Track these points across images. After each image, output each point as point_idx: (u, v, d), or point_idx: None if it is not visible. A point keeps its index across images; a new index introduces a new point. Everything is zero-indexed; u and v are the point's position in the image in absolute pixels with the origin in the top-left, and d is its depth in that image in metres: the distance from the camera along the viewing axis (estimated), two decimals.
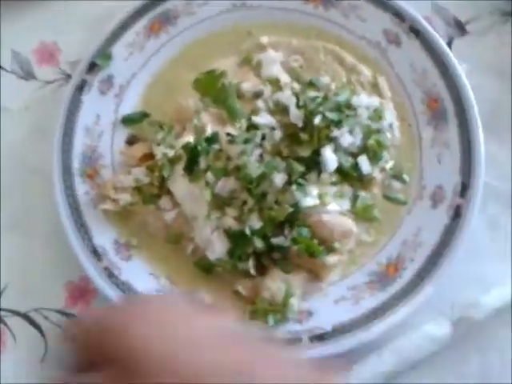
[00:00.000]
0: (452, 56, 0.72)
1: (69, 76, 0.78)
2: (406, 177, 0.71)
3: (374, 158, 0.69)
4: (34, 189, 0.73)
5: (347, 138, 0.68)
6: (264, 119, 0.69)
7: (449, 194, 0.68)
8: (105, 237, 0.67)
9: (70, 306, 0.68)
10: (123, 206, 0.68)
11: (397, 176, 0.71)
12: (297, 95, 0.70)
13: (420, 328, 0.64)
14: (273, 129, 0.68)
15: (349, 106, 0.70)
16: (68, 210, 0.67)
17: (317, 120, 0.67)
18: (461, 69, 0.72)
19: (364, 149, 0.69)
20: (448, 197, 0.68)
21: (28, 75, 0.80)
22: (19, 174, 0.74)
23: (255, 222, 0.64)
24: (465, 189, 0.68)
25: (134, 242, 0.68)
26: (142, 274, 0.66)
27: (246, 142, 0.67)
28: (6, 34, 0.81)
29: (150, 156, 0.70)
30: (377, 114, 0.71)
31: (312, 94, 0.71)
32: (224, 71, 0.70)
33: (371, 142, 0.69)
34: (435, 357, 0.64)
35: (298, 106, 0.69)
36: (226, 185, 0.65)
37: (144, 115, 0.74)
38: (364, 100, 0.71)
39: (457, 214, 0.67)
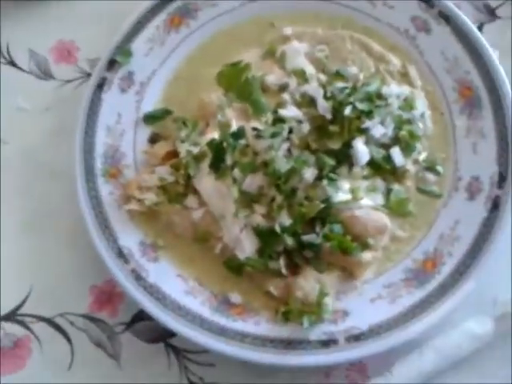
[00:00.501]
0: (484, 41, 0.70)
1: (88, 74, 0.77)
2: (440, 168, 0.68)
3: (407, 149, 0.67)
4: (56, 190, 0.71)
5: (379, 128, 0.65)
6: (291, 112, 0.66)
7: (486, 185, 0.66)
8: (130, 238, 0.65)
9: (95, 310, 0.66)
10: (148, 206, 0.66)
11: (431, 168, 0.68)
12: (324, 86, 0.68)
13: (461, 326, 0.62)
14: (300, 122, 0.66)
15: (379, 95, 0.68)
16: (92, 212, 0.65)
17: (347, 111, 0.65)
18: (494, 55, 0.70)
19: (396, 140, 0.67)
20: (485, 188, 0.66)
21: (46, 75, 0.78)
22: (41, 175, 0.72)
23: (285, 219, 0.61)
24: (503, 179, 0.65)
25: (160, 243, 0.66)
26: (169, 276, 0.64)
27: (273, 136, 0.64)
28: (22, 34, 0.80)
29: (173, 154, 0.68)
30: (408, 104, 0.69)
31: (340, 84, 0.68)
32: (248, 64, 0.68)
33: (403, 132, 0.67)
34: (477, 356, 0.61)
35: (325, 98, 0.67)
36: (254, 181, 0.63)
37: (166, 112, 0.72)
38: (394, 89, 0.69)
39: (495, 206, 0.64)
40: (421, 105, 0.70)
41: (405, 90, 0.70)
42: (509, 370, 0.62)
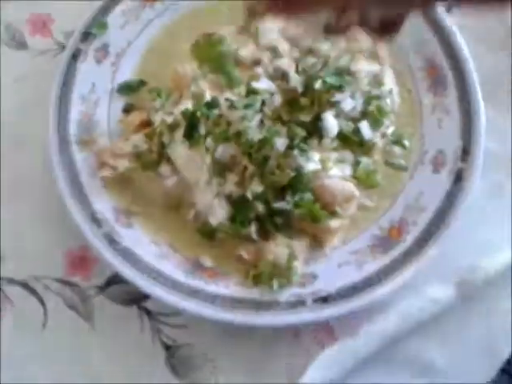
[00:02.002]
0: (451, 24, 0.72)
1: (63, 46, 0.77)
2: (406, 142, 0.70)
3: (375, 123, 0.69)
4: (30, 160, 0.71)
5: (348, 102, 0.67)
6: (263, 84, 0.68)
7: (450, 159, 0.68)
8: (104, 204, 0.66)
9: (69, 274, 0.67)
10: (122, 173, 0.67)
11: (398, 142, 0.70)
12: (296, 61, 0.70)
13: (423, 291, 0.64)
14: (272, 94, 0.67)
15: (348, 71, 0.70)
16: (66, 178, 0.66)
17: (317, 85, 0.67)
18: (460, 36, 0.72)
19: (365, 115, 0.69)
20: (449, 161, 0.68)
21: (21, 45, 0.78)
22: (13, 146, 0.72)
23: (257, 187, 0.63)
24: (466, 153, 0.68)
25: (134, 210, 0.67)
26: (143, 242, 0.65)
27: (247, 107, 0.66)
28: None
29: (147, 124, 0.69)
30: (376, 81, 0.71)
31: (311, 60, 0.70)
32: (223, 37, 0.70)
33: (372, 107, 0.69)
34: (440, 320, 0.64)
35: (297, 72, 0.69)
36: (227, 150, 0.64)
37: (141, 83, 0.73)
38: (364, 66, 0.71)
39: (458, 178, 0.67)
40: (389, 81, 0.72)
41: (374, 66, 0.72)
42: (469, 333, 0.65)
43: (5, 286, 0.66)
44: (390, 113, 0.71)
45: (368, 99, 0.69)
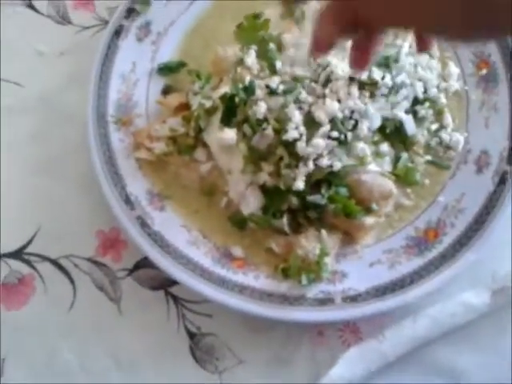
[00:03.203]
0: None
1: (106, 22, 0.77)
2: (450, 139, 0.68)
3: (420, 119, 0.67)
4: (68, 134, 0.71)
5: (396, 98, 0.65)
6: (305, 71, 0.66)
7: (495, 160, 0.66)
8: (138, 186, 0.66)
9: (100, 255, 0.67)
10: (157, 156, 0.67)
11: (441, 139, 0.68)
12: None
13: (457, 296, 0.62)
14: (314, 81, 0.65)
15: (396, 60, 0.67)
16: (102, 157, 0.66)
17: (363, 76, 0.64)
18: None
19: (410, 108, 0.66)
20: (494, 162, 0.66)
21: (64, 20, 0.78)
22: (54, 119, 0.73)
23: (299, 183, 0.61)
24: None
25: (167, 193, 0.66)
26: (174, 226, 0.65)
27: (286, 93, 0.64)
28: None
29: (185, 106, 0.69)
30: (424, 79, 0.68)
31: None
32: (267, 20, 0.68)
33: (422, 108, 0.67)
34: (472, 326, 0.62)
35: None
36: (263, 138, 0.63)
37: (181, 64, 0.72)
38: (409, 58, 0.68)
39: (502, 181, 0.64)
40: (436, 76, 0.69)
41: (421, 58, 0.69)
42: (502, 342, 0.63)
43: (37, 263, 0.67)
44: (444, 111, 0.68)
45: (422, 101, 0.67)
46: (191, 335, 0.63)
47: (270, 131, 0.63)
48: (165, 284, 0.65)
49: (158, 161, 0.67)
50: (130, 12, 0.72)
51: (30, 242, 0.68)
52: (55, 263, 0.67)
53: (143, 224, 0.63)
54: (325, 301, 0.60)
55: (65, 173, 0.70)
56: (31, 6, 0.79)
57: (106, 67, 0.70)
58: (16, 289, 0.66)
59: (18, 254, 0.68)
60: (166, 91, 0.72)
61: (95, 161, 0.66)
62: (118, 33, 0.71)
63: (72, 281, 0.66)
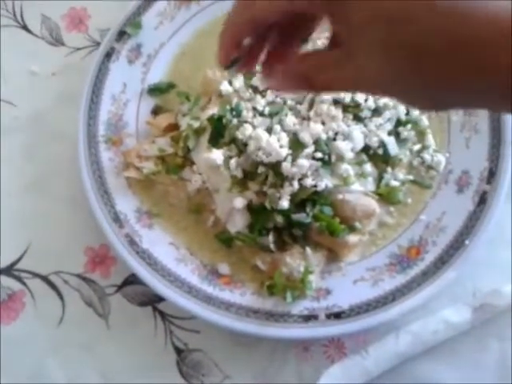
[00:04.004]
0: None
1: (98, 43, 0.78)
2: (432, 160, 0.69)
3: (402, 139, 0.68)
4: (59, 153, 0.73)
5: (376, 120, 0.67)
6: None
7: (475, 180, 0.67)
8: (127, 204, 0.68)
9: (89, 271, 0.68)
10: (146, 175, 0.68)
11: (423, 159, 0.69)
12: None
13: (439, 313, 0.64)
14: (299, 103, 0.67)
15: None
16: (92, 176, 0.67)
17: (347, 99, 0.66)
18: None
19: (393, 130, 0.68)
20: (474, 182, 0.67)
21: (57, 41, 0.80)
22: (45, 137, 0.74)
23: (283, 202, 0.63)
24: (492, 175, 0.67)
25: (155, 211, 0.68)
26: (162, 243, 0.66)
27: (272, 115, 0.66)
28: None
29: (174, 127, 0.70)
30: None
31: None
32: None
33: (404, 129, 0.69)
34: (453, 343, 0.63)
35: None
36: (249, 158, 0.65)
37: (170, 86, 0.74)
38: None
39: (482, 201, 0.66)
40: None
41: None
42: (483, 358, 0.64)
43: (27, 279, 0.68)
44: (417, 129, 0.70)
45: (404, 123, 0.69)
46: (178, 351, 0.64)
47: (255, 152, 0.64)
48: (153, 300, 0.66)
49: (147, 180, 0.68)
50: (122, 35, 0.74)
51: (20, 259, 0.69)
52: (45, 279, 0.68)
53: (131, 242, 0.65)
54: (309, 317, 0.62)
55: (55, 190, 0.72)
56: (25, 28, 0.80)
57: (97, 88, 0.72)
58: (6, 305, 0.67)
59: (8, 271, 0.69)
60: (156, 111, 0.73)
61: (85, 179, 0.67)
62: (109, 55, 0.73)
63: (61, 296, 0.67)
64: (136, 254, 0.64)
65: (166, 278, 0.63)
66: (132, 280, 0.67)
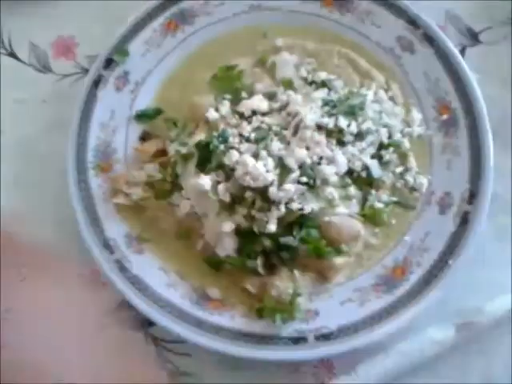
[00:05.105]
0: (465, 65, 0.73)
1: (85, 70, 0.79)
2: (414, 182, 0.71)
3: (385, 162, 0.70)
4: (48, 180, 0.73)
5: (359, 144, 0.69)
6: (276, 120, 0.69)
7: (457, 201, 0.69)
8: (117, 230, 0.68)
9: None
10: (135, 201, 0.69)
11: (406, 181, 0.71)
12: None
13: (424, 331, 0.65)
14: (284, 129, 0.69)
15: (362, 108, 0.70)
16: (81, 203, 0.68)
17: (330, 124, 0.67)
18: (472, 76, 0.73)
19: (375, 153, 0.70)
20: (456, 203, 0.69)
21: (45, 68, 0.81)
22: (34, 165, 0.75)
23: (271, 226, 0.64)
24: (473, 196, 0.69)
25: (145, 237, 0.69)
26: (152, 269, 0.67)
27: (258, 141, 0.67)
28: (24, 27, 0.82)
29: (162, 152, 0.71)
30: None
31: (324, 96, 0.71)
32: (242, 71, 0.72)
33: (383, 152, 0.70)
34: (439, 360, 0.65)
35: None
36: (236, 183, 0.66)
37: (158, 112, 0.75)
38: (374, 105, 0.72)
39: (464, 221, 0.68)
40: (399, 121, 0.73)
41: (386, 105, 0.73)
42: (468, 373, 0.66)
43: None
44: (399, 152, 0.72)
45: (386, 146, 0.70)
46: (170, 374, 0.65)
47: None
48: (144, 324, 0.67)
49: (136, 205, 0.69)
50: (109, 62, 0.75)
51: None
52: None
53: (122, 268, 0.66)
54: (298, 340, 0.63)
55: (44, 217, 0.72)
56: (13, 55, 0.81)
57: (86, 115, 0.72)
58: None
59: None
60: (144, 137, 0.74)
61: (75, 206, 0.68)
62: (96, 83, 0.74)
63: None
64: (127, 279, 0.65)
65: (157, 303, 0.64)
66: (123, 304, 0.67)
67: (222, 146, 0.66)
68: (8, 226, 0.72)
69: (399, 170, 0.71)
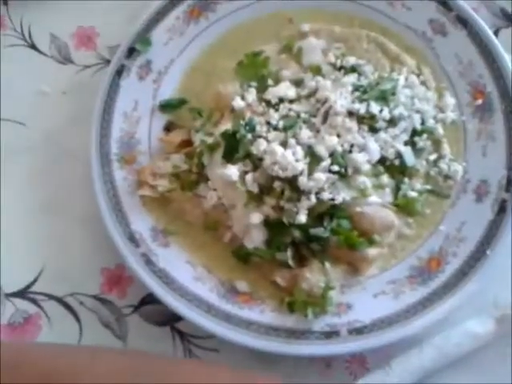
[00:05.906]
0: (500, 47, 0.70)
1: (107, 61, 0.78)
2: (449, 169, 0.69)
3: (419, 149, 0.68)
4: (72, 173, 0.72)
5: (392, 130, 0.66)
6: (304, 107, 0.67)
7: (493, 189, 0.67)
8: (142, 223, 0.67)
9: (105, 292, 0.67)
10: (161, 193, 0.67)
11: (440, 168, 0.69)
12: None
13: (461, 325, 0.63)
14: (313, 116, 0.67)
15: (394, 93, 0.68)
16: (106, 196, 0.67)
17: (362, 109, 0.65)
18: (508, 60, 0.70)
19: (408, 140, 0.68)
20: (493, 191, 0.66)
21: (66, 59, 0.79)
22: (57, 157, 0.74)
23: (301, 217, 0.62)
24: (510, 183, 0.66)
25: (171, 229, 0.67)
26: (179, 262, 0.65)
27: (287, 129, 0.65)
28: (44, 18, 0.81)
29: (188, 143, 0.70)
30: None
31: (355, 82, 0.69)
32: (268, 57, 0.70)
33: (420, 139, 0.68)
34: (476, 354, 0.62)
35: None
36: (264, 173, 0.64)
37: (182, 102, 0.73)
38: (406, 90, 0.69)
39: (502, 209, 0.65)
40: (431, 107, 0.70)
41: (418, 90, 0.70)
42: (507, 370, 0.63)
43: (43, 301, 0.68)
44: (442, 142, 0.69)
45: (420, 132, 0.68)
46: None
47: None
48: (171, 319, 0.65)
49: (162, 197, 0.68)
50: (131, 52, 0.73)
51: (35, 281, 0.68)
52: (61, 301, 0.67)
53: (148, 261, 0.64)
54: (331, 334, 0.61)
55: (69, 211, 0.71)
56: (34, 47, 0.80)
57: (108, 106, 0.71)
58: (22, 328, 0.67)
59: (23, 294, 0.68)
60: (168, 128, 0.73)
61: (100, 199, 0.66)
62: (119, 72, 0.72)
63: (78, 319, 0.67)
64: (153, 273, 0.63)
65: (184, 297, 0.62)
66: (149, 299, 0.66)
67: (249, 135, 0.64)
68: (33, 218, 0.71)
69: (433, 157, 0.69)
